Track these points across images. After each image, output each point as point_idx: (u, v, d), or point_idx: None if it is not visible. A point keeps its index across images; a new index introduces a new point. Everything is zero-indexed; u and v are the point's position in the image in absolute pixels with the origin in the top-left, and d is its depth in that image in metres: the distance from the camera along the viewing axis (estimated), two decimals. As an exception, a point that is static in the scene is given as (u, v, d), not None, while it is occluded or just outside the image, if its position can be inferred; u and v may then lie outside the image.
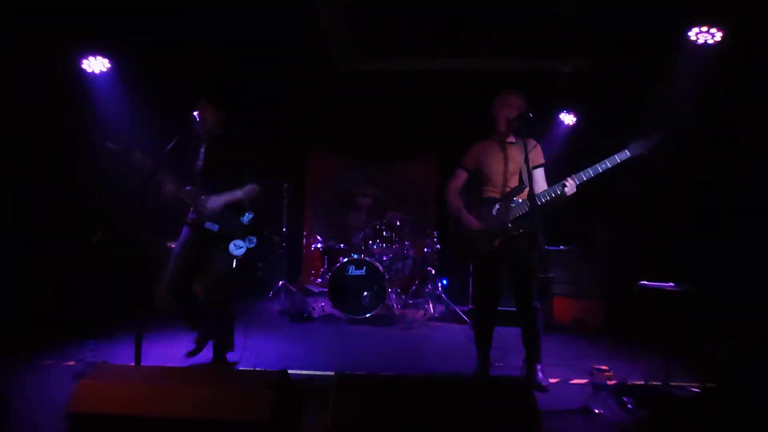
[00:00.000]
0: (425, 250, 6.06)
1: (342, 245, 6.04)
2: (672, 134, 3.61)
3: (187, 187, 3.31)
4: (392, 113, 7.22)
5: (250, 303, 6.20)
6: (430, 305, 5.74)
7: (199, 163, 3.42)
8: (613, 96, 5.54)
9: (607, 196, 5.44)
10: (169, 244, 5.26)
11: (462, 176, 3.42)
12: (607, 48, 5.56)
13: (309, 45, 5.97)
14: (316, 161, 8.00)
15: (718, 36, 4.79)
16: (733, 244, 4.54)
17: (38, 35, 4.45)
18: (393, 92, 7.00)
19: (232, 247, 3.30)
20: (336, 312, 5.37)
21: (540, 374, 3.20)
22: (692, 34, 4.85)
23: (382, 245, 5.87)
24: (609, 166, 3.07)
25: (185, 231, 3.40)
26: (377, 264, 5.36)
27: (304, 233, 7.66)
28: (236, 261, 3.33)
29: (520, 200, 3.21)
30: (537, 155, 3.31)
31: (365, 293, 5.27)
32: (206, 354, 3.49)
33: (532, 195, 3.00)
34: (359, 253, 5.56)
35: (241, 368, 3.38)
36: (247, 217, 3.38)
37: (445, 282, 6.14)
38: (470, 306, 5.48)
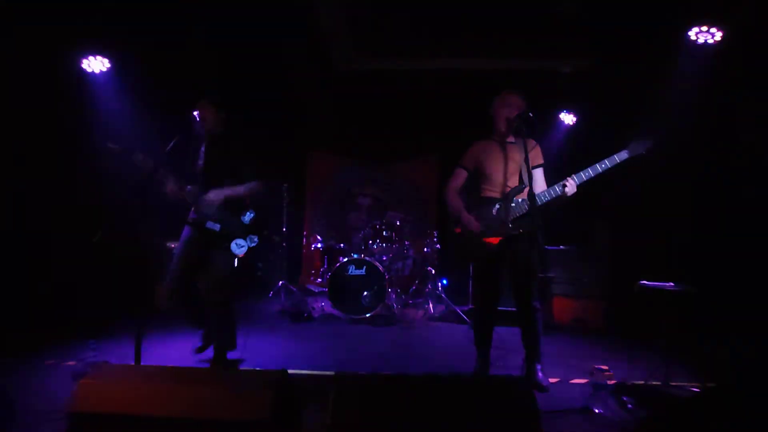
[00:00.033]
0: (425, 250, 6.05)
1: (342, 245, 6.03)
2: (672, 134, 3.62)
3: (188, 187, 3.31)
4: (392, 113, 7.23)
5: (251, 303, 6.19)
6: (430, 305, 5.74)
7: (200, 162, 3.44)
8: (613, 96, 5.54)
9: (607, 196, 5.43)
10: (169, 244, 5.27)
11: (461, 176, 3.42)
12: (607, 48, 5.56)
13: (309, 45, 5.97)
14: (316, 161, 8.01)
15: (718, 36, 4.80)
16: (733, 244, 4.55)
17: (38, 35, 4.45)
18: (393, 92, 7.00)
19: (233, 246, 3.31)
20: (336, 312, 5.37)
21: (540, 374, 3.20)
22: (692, 34, 4.86)
23: (382, 245, 5.86)
24: (609, 166, 3.09)
25: (186, 231, 3.41)
26: (377, 264, 5.36)
27: (304, 233, 7.66)
28: (237, 260, 3.34)
29: (520, 200, 3.22)
30: (536, 155, 3.31)
31: (365, 293, 5.27)
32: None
33: (532, 195, 3.00)
34: (359, 253, 5.56)
35: (242, 368, 3.39)
36: (248, 216, 3.38)
37: (445, 282, 6.14)
38: (470, 306, 5.49)
